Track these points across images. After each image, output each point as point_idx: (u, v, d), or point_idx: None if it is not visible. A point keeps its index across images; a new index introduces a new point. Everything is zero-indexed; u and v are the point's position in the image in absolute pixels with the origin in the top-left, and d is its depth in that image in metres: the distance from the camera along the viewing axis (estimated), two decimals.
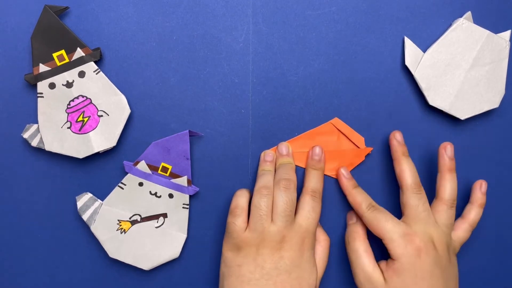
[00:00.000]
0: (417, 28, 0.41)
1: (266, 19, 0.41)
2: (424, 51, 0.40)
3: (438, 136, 0.42)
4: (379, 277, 0.36)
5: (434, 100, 0.40)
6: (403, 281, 0.35)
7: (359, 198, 0.39)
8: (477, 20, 0.41)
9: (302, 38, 0.41)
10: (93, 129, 0.39)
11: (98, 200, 0.40)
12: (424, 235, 0.36)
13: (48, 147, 0.39)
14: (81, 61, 0.38)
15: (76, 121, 0.39)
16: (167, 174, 0.40)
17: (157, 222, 0.40)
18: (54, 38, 0.38)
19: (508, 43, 0.40)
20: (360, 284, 0.37)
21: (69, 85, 0.39)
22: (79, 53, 0.38)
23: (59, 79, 0.39)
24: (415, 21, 0.41)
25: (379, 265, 0.37)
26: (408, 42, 0.40)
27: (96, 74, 0.39)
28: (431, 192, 0.40)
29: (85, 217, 0.39)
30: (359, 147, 0.41)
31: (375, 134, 0.41)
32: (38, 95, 0.39)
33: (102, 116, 0.39)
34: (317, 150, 0.40)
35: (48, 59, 0.38)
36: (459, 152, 0.42)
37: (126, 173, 0.39)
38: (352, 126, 0.41)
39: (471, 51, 0.40)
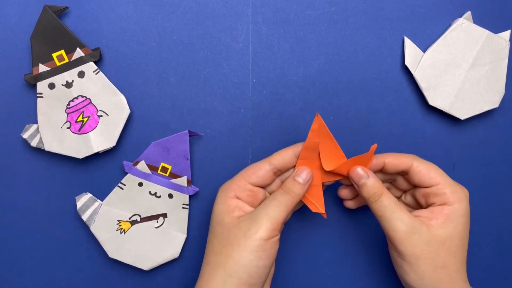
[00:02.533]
0: (417, 28, 0.41)
1: (266, 19, 0.41)
2: (424, 51, 0.40)
3: (438, 136, 0.42)
4: (421, 224, 0.34)
5: (434, 100, 0.40)
6: (456, 228, 0.33)
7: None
8: (477, 20, 0.41)
9: (302, 38, 0.41)
10: (93, 129, 0.39)
11: (98, 200, 0.40)
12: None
13: (48, 147, 0.39)
14: (80, 61, 0.38)
15: (76, 121, 0.39)
16: (167, 174, 0.40)
17: (157, 222, 0.40)
18: (54, 38, 0.38)
19: (508, 42, 0.40)
20: (401, 239, 0.33)
21: (68, 85, 0.39)
22: (78, 53, 0.38)
23: (59, 79, 0.39)
24: (415, 21, 0.41)
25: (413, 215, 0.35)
26: (408, 42, 0.40)
27: (96, 74, 0.39)
28: None
29: (84, 217, 0.39)
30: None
31: (375, 134, 0.41)
32: (38, 95, 0.38)
33: (101, 116, 0.39)
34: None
35: (47, 59, 0.38)
36: (459, 152, 0.42)
37: (126, 173, 0.39)
38: (352, 126, 0.41)
39: (471, 51, 0.40)
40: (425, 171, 0.35)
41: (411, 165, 0.35)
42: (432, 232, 0.33)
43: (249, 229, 0.33)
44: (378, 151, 0.41)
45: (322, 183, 0.37)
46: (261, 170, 0.36)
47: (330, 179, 0.37)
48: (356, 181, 0.35)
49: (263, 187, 0.37)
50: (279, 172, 0.37)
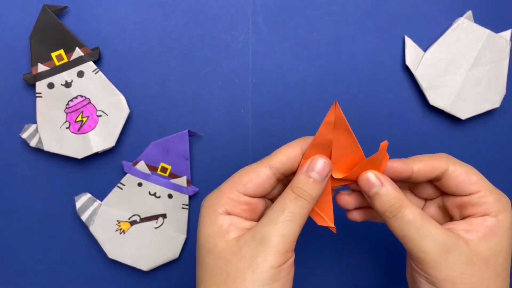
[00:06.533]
0: (417, 27, 0.41)
1: (266, 19, 0.40)
2: (425, 50, 0.40)
3: (439, 136, 0.42)
4: (457, 240, 0.26)
5: (434, 100, 0.40)
6: (500, 243, 0.27)
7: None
8: (478, 20, 0.41)
9: (302, 38, 0.41)
10: (92, 129, 0.39)
11: (97, 200, 0.40)
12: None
13: (47, 147, 0.38)
14: (80, 60, 0.38)
15: (75, 121, 0.39)
16: (167, 174, 0.39)
17: (156, 222, 0.40)
18: (53, 37, 0.38)
19: (508, 42, 0.40)
20: (433, 261, 0.26)
21: (67, 85, 0.39)
22: (78, 52, 0.38)
23: (58, 79, 0.38)
24: (415, 21, 0.41)
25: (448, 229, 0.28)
26: (408, 42, 0.40)
27: (95, 73, 0.39)
28: None
29: (84, 217, 0.39)
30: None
31: (375, 135, 0.41)
32: (37, 95, 0.38)
33: (101, 116, 0.39)
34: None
35: (46, 59, 0.38)
36: (460, 152, 0.42)
37: (125, 174, 0.39)
38: (352, 126, 0.41)
39: (472, 50, 0.40)
40: (465, 176, 0.27)
41: (446, 170, 0.28)
42: (472, 249, 0.26)
43: (255, 256, 0.25)
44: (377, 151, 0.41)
45: (332, 188, 0.29)
46: (260, 176, 0.27)
47: (339, 184, 0.29)
48: (366, 191, 0.27)
49: (263, 196, 0.29)
50: (283, 177, 0.28)
